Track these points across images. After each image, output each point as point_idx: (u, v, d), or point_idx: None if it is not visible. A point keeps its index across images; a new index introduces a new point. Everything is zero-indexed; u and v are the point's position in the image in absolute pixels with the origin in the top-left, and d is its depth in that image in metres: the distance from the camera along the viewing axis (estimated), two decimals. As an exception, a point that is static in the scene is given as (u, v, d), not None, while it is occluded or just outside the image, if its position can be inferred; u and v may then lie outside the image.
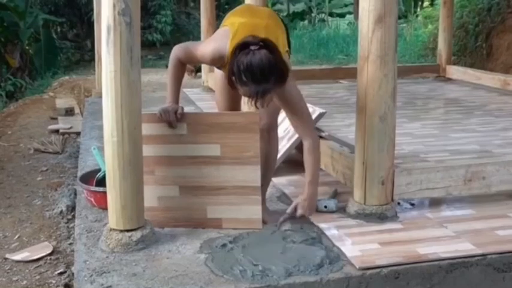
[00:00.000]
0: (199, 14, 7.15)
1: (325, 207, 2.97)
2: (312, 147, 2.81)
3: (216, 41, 2.75)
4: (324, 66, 10.69)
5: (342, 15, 18.24)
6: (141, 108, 2.56)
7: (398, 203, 3.07)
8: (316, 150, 2.83)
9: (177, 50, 2.80)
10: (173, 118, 2.73)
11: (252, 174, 2.76)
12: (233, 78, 2.53)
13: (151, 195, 2.78)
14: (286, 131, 3.71)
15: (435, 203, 3.15)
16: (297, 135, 3.63)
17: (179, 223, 2.81)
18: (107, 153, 2.54)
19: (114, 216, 2.57)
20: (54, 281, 2.96)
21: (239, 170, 2.77)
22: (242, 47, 2.51)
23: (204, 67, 7.03)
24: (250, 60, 2.46)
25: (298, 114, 2.81)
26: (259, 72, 2.46)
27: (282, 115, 3.90)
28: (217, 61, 2.75)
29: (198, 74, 8.28)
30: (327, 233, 2.74)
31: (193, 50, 2.80)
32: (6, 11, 11.51)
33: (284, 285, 2.29)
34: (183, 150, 2.79)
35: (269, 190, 3.15)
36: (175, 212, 2.82)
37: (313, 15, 18.43)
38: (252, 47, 2.48)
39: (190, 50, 2.81)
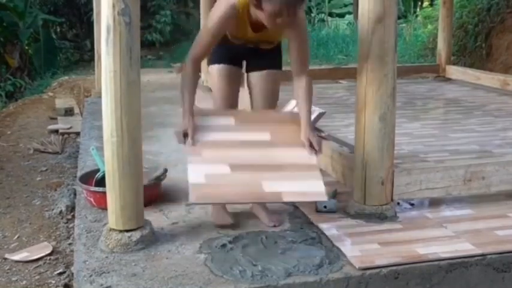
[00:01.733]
0: (199, 14, 7.15)
1: (325, 207, 2.97)
2: (311, 82, 2.82)
3: (219, 3, 2.74)
4: (323, 66, 10.68)
5: (341, 15, 18.24)
6: (140, 108, 2.56)
7: (398, 203, 3.07)
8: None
9: (189, 56, 2.77)
10: (181, 140, 2.65)
11: (305, 154, 2.68)
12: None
13: (196, 174, 2.55)
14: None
15: (435, 203, 3.15)
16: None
17: (231, 198, 2.59)
18: (106, 153, 2.54)
19: (113, 216, 2.57)
20: (53, 281, 2.95)
21: (291, 151, 2.69)
22: None
23: (203, 67, 7.01)
24: None
25: (305, 43, 2.80)
26: None
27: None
28: (231, 16, 2.70)
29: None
30: (327, 233, 2.74)
31: (202, 33, 2.76)
32: (5, 11, 11.51)
33: (284, 286, 2.29)
34: (232, 136, 2.73)
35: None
36: (225, 187, 2.56)
37: (312, 15, 18.44)
38: None
39: (199, 38, 2.77)
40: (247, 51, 2.91)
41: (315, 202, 2.99)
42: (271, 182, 2.58)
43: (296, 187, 2.60)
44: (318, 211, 2.97)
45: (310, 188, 2.61)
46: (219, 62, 2.95)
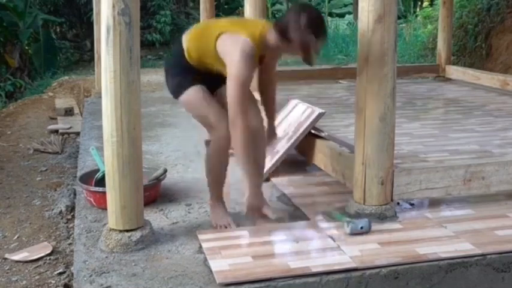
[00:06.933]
0: (199, 14, 7.15)
1: (362, 227, 2.74)
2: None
3: (234, 42, 2.66)
4: (323, 66, 10.67)
5: (341, 15, 18.23)
6: (140, 108, 2.56)
7: (398, 203, 3.07)
8: None
9: (237, 81, 2.59)
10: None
11: None
12: (308, 37, 2.64)
13: (218, 263, 2.44)
14: (285, 131, 3.71)
15: (435, 203, 3.15)
16: (296, 136, 3.63)
17: (259, 275, 2.36)
18: (106, 153, 2.54)
19: (113, 216, 2.57)
20: (53, 281, 2.95)
21: None
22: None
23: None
24: (313, 11, 2.74)
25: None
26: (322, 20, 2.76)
27: (282, 115, 3.91)
28: (253, 54, 2.66)
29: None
30: (327, 232, 2.74)
31: (240, 61, 2.61)
32: (5, 11, 11.51)
33: (284, 285, 2.29)
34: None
35: (269, 190, 3.14)
36: (252, 269, 2.41)
37: (312, 15, 18.35)
38: None
39: (239, 61, 2.60)
40: (210, 79, 2.82)
41: (347, 225, 2.74)
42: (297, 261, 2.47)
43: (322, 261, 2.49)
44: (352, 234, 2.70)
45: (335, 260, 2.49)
46: (191, 85, 2.79)
